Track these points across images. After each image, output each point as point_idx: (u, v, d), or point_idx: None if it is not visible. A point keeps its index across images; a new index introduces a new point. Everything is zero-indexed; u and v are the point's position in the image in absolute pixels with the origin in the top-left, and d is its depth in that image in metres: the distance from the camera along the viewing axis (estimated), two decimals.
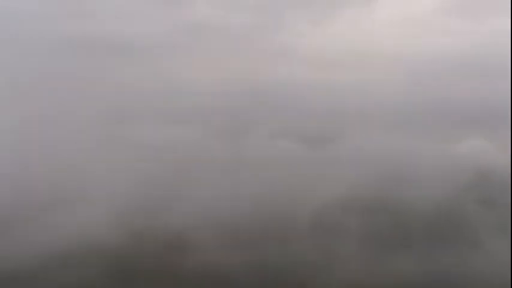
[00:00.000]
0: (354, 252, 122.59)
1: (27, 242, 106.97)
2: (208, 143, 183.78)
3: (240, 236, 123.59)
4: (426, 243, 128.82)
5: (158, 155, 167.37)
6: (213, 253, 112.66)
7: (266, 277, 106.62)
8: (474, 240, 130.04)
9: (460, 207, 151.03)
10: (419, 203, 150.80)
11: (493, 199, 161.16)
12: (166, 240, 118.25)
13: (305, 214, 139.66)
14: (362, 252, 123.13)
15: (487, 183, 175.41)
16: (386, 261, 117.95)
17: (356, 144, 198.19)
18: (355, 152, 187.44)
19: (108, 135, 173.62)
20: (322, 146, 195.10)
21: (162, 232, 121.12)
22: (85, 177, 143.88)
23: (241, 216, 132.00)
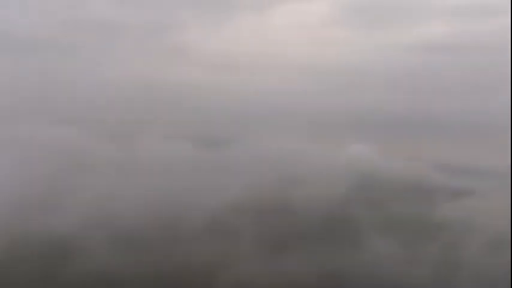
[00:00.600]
0: (248, 254, 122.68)
1: None
2: (101, 144, 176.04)
3: (132, 238, 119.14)
4: (316, 243, 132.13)
5: (46, 155, 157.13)
6: (104, 257, 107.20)
7: (159, 280, 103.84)
8: (360, 240, 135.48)
9: (347, 208, 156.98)
10: (310, 204, 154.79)
11: (376, 200, 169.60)
12: (51, 245, 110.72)
13: (200, 216, 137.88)
14: (256, 253, 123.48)
15: (371, 185, 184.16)
16: (279, 262, 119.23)
17: (251, 146, 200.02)
18: (249, 154, 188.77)
19: None
20: (217, 147, 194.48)
21: (46, 236, 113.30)
22: None
23: (134, 218, 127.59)
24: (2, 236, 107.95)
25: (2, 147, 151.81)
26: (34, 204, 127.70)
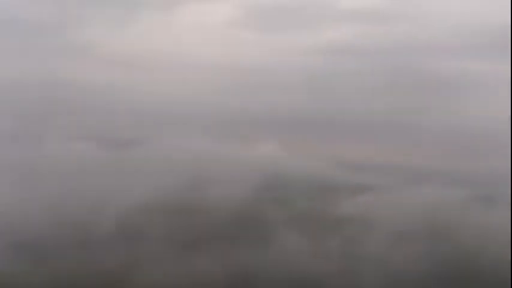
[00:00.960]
0: (160, 255, 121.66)
1: None
2: (1, 147, 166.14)
3: (38, 246, 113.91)
4: (226, 243, 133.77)
5: None
6: (7, 267, 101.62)
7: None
8: (269, 237, 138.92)
9: (256, 207, 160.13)
10: (219, 203, 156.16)
11: (283, 198, 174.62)
12: None
13: (109, 219, 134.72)
14: (168, 254, 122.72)
15: (277, 183, 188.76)
16: (191, 262, 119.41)
17: (159, 146, 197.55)
18: (158, 155, 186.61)
19: None
20: (125, 148, 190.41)
21: None
22: None
23: (40, 224, 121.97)
24: None
25: None
26: None
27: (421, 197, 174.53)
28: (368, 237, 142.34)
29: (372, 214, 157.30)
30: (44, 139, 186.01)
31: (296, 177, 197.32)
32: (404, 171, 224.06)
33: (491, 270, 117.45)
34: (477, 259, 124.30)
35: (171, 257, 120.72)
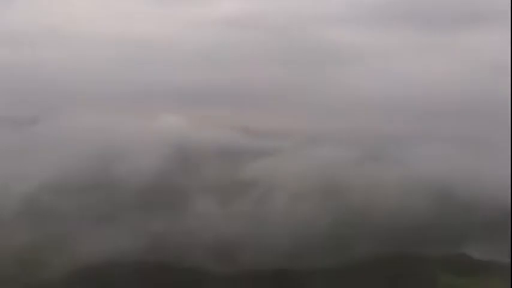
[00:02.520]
0: (71, 232, 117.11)
1: None
2: None
3: None
4: (141, 213, 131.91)
5: None
6: None
7: None
8: (182, 204, 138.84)
9: (167, 176, 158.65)
10: (130, 176, 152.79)
11: (192, 166, 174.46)
12: None
13: (16, 198, 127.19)
14: (79, 230, 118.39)
15: (185, 153, 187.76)
16: (105, 236, 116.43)
17: (64, 123, 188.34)
18: (64, 132, 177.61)
19: None
20: (28, 127, 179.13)
21: None
22: None
23: None
24: None
25: None
26: None
27: (317, 159, 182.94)
28: (271, 198, 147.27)
29: (274, 177, 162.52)
30: None
31: (202, 147, 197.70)
32: (301, 136, 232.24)
33: (382, 222, 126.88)
34: (369, 212, 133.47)
35: (83, 232, 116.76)
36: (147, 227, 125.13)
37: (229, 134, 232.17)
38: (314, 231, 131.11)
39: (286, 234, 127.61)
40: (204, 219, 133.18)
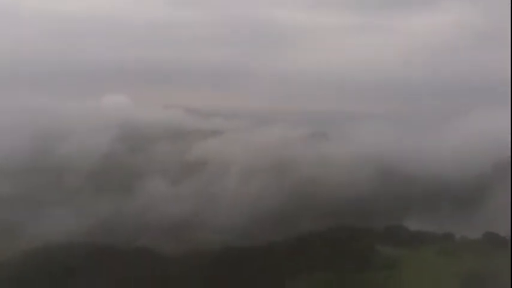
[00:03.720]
0: (18, 216, 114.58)
1: None
2: None
3: None
4: (88, 195, 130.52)
5: None
6: None
7: None
8: (130, 185, 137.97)
9: (114, 158, 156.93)
10: (78, 158, 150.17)
11: (139, 147, 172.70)
12: None
13: None
14: (22, 215, 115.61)
15: (132, 133, 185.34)
16: (53, 219, 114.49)
17: (6, 105, 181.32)
18: (5, 114, 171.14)
19: None
20: None
21: None
22: None
23: None
24: None
25: None
26: None
27: (266, 138, 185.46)
28: (223, 177, 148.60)
29: (224, 156, 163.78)
30: None
31: (149, 127, 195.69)
32: (250, 115, 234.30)
33: (328, 197, 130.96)
34: (316, 188, 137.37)
35: (30, 216, 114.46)
36: (95, 210, 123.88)
37: (176, 114, 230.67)
38: (264, 208, 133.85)
39: (237, 212, 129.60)
40: (154, 200, 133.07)
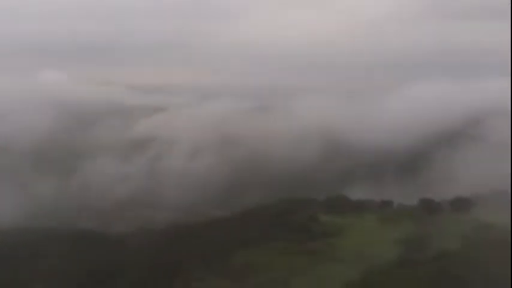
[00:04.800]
0: None
1: None
2: None
3: None
4: (30, 177, 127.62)
5: None
6: None
7: None
8: (72, 166, 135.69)
9: (54, 138, 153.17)
10: (14, 137, 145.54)
11: (77, 126, 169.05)
12: None
13: None
14: None
15: (69, 112, 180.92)
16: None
17: None
18: None
19: None
20: None
21: None
22: None
23: None
24: None
25: None
26: None
27: (211, 112, 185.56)
28: (169, 154, 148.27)
29: (170, 132, 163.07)
30: None
31: (89, 104, 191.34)
32: (194, 90, 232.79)
33: (273, 169, 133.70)
34: (262, 161, 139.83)
35: None
36: (37, 192, 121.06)
37: (117, 90, 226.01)
38: (210, 183, 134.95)
39: (184, 189, 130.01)
40: (98, 179, 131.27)
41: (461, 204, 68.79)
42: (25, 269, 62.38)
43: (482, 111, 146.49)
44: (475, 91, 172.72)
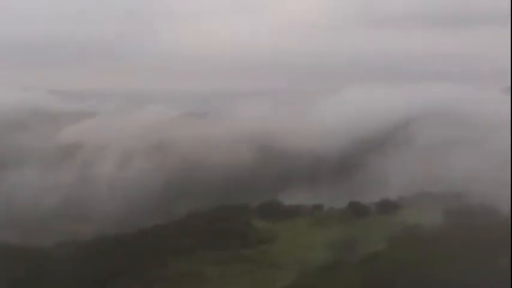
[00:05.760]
0: None
1: None
2: None
3: None
4: None
5: None
6: None
7: None
8: None
9: None
10: None
11: (6, 132, 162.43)
12: None
13: None
14: None
15: None
16: None
17: None
18: None
19: None
20: None
21: None
22: None
23: None
24: None
25: None
26: None
27: (144, 118, 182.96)
28: (99, 161, 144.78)
29: (99, 139, 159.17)
30: None
31: (12, 110, 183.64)
32: (125, 95, 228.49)
33: (209, 176, 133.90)
34: (197, 168, 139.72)
35: None
36: None
37: (38, 95, 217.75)
38: (142, 192, 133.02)
39: (114, 198, 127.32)
40: (20, 190, 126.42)
41: (388, 206, 72.73)
42: None
43: (411, 115, 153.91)
44: (403, 96, 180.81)
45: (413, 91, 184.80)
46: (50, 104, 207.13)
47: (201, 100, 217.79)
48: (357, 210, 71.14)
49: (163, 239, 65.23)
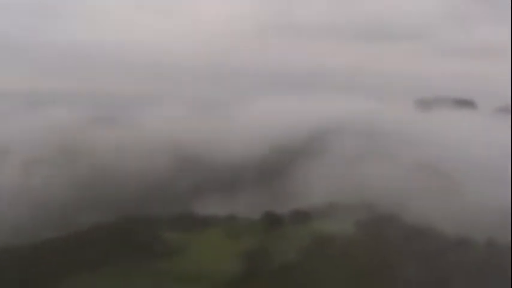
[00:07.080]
0: None
1: None
2: None
3: None
4: None
5: None
6: None
7: None
8: None
9: None
10: None
11: None
12: None
13: None
14: None
15: None
16: None
17: None
18: None
19: None
20: None
21: None
22: None
23: None
24: None
25: None
26: None
27: (46, 121, 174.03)
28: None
29: None
30: None
31: None
32: (23, 96, 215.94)
33: (118, 185, 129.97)
34: (105, 176, 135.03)
35: None
36: None
37: None
38: (44, 201, 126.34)
39: (12, 207, 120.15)
40: None
41: (301, 217, 74.31)
42: None
43: (325, 126, 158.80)
44: (319, 107, 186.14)
45: (328, 103, 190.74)
46: None
47: (111, 103, 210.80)
48: (271, 220, 72.02)
49: (64, 253, 62.25)
